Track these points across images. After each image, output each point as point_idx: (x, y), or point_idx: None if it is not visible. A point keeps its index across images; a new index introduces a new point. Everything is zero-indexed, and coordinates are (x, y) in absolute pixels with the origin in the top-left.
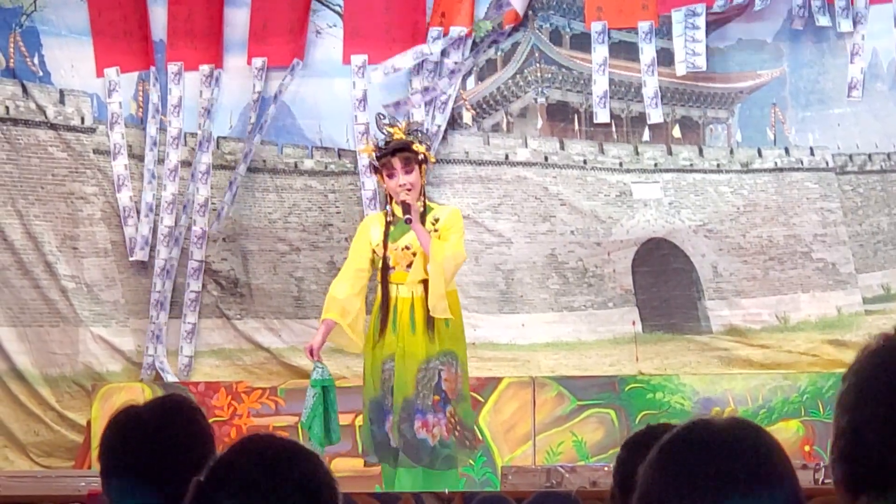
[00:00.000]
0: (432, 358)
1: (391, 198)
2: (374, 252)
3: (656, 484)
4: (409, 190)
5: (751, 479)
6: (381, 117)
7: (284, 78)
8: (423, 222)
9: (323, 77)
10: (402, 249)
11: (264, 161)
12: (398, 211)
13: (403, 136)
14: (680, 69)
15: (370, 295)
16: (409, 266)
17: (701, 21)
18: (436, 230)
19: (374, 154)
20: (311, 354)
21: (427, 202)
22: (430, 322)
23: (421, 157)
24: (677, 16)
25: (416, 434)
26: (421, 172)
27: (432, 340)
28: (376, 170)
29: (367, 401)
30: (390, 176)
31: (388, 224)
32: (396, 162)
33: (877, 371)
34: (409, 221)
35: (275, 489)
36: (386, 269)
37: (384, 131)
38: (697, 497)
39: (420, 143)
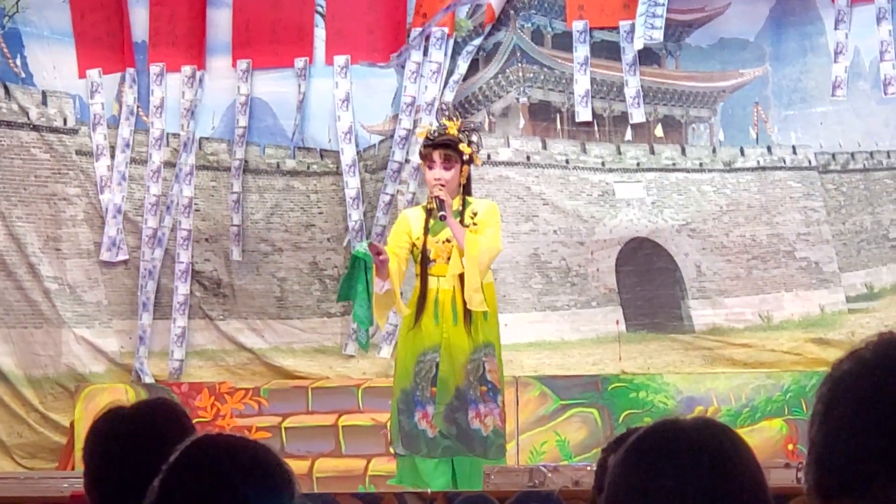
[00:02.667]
0: (478, 349)
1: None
2: (413, 245)
3: (623, 483)
4: (441, 186)
5: (716, 479)
6: (445, 108)
7: (300, 85)
8: (462, 216)
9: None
10: (443, 242)
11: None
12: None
13: (455, 133)
14: (638, 44)
15: (406, 289)
16: (450, 259)
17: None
18: (475, 223)
19: (421, 142)
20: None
21: (466, 197)
22: (467, 315)
23: (466, 157)
24: None
25: (471, 424)
26: (462, 172)
27: (471, 333)
28: (423, 157)
29: (397, 391)
30: (430, 167)
31: (428, 217)
32: (437, 155)
33: (849, 381)
34: (443, 218)
35: (228, 480)
36: (426, 261)
37: (441, 123)
38: (663, 497)
39: (469, 144)
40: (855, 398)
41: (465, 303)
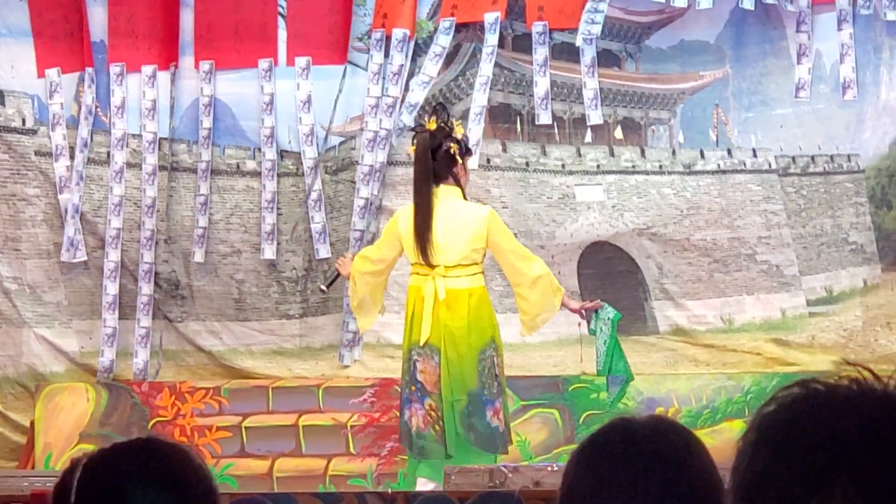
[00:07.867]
0: None
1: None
2: None
3: (578, 481)
4: None
5: (669, 477)
6: (439, 108)
7: (263, 87)
8: None
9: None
10: None
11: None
12: None
13: None
14: (578, 40)
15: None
16: None
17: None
18: None
19: (463, 144)
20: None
21: None
22: None
23: None
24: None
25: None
26: None
27: None
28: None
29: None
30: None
31: None
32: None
33: (776, 420)
34: None
35: (144, 486)
36: None
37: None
38: (617, 494)
39: None
40: (782, 435)
41: None
